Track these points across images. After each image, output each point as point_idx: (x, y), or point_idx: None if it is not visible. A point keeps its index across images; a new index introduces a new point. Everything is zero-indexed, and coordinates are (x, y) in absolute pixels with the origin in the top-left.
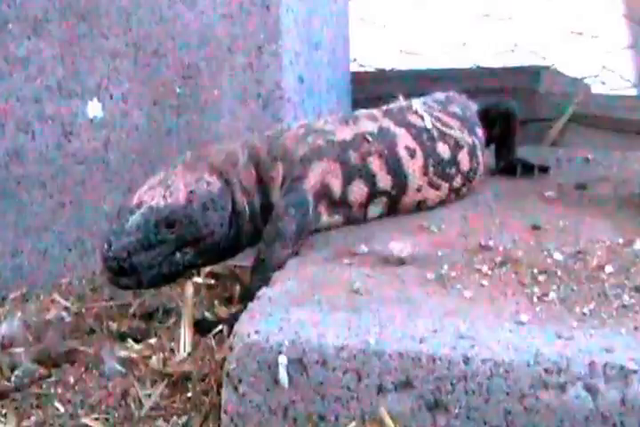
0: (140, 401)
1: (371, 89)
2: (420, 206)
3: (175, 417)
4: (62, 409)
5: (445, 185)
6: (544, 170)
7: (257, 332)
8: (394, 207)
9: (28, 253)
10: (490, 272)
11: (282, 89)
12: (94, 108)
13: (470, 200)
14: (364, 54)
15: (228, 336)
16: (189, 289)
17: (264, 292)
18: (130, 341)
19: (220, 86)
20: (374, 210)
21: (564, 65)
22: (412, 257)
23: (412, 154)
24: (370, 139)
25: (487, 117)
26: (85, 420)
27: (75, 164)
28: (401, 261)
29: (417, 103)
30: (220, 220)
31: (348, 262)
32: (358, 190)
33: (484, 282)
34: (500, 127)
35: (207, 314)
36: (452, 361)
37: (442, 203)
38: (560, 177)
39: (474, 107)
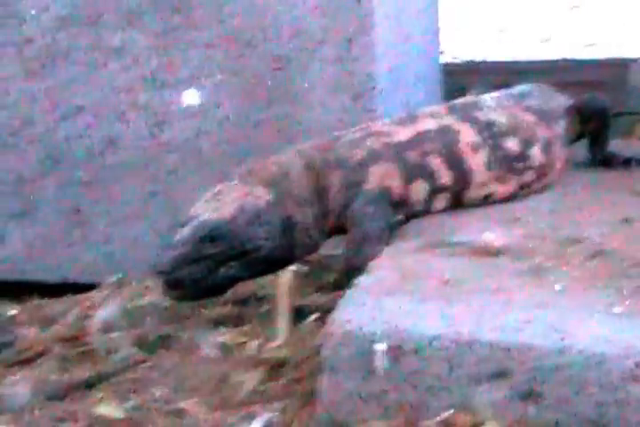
0: (236, 387)
1: (460, 81)
2: (487, 201)
3: (272, 403)
4: (160, 393)
5: (514, 180)
6: (638, 162)
7: (352, 320)
8: (457, 202)
9: (120, 240)
10: (581, 264)
11: (373, 80)
12: (187, 99)
13: (559, 193)
14: (453, 46)
15: (323, 324)
16: (285, 276)
17: (359, 281)
18: (224, 327)
19: (311, 78)
20: (437, 205)
21: None
22: (504, 248)
23: (475, 149)
24: (429, 137)
25: (581, 112)
26: (183, 404)
27: (167, 153)
28: (493, 252)
29: (486, 98)
30: (267, 234)
31: (441, 253)
32: (419, 189)
33: (576, 274)
34: (594, 122)
35: (300, 302)
36: (545, 352)
37: (513, 197)
38: None
39: (563, 100)
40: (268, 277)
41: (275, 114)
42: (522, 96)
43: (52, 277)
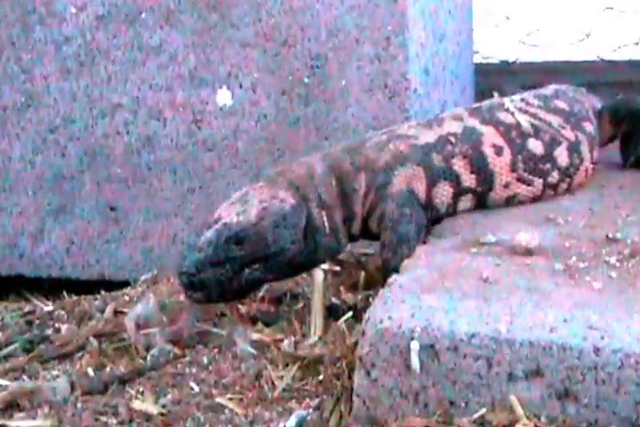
0: (272, 383)
1: (494, 81)
2: (511, 202)
3: (307, 399)
4: (197, 389)
5: (539, 181)
6: None
7: (389, 318)
8: (481, 204)
9: (158, 237)
10: (618, 264)
11: (408, 80)
12: (224, 97)
13: (595, 193)
14: (487, 46)
15: (358, 322)
16: (319, 274)
17: (395, 279)
18: (260, 324)
19: (348, 77)
20: (462, 207)
21: None
22: (539, 248)
23: (499, 151)
24: (453, 140)
25: (614, 115)
26: (220, 400)
27: (204, 150)
28: (529, 252)
29: (512, 99)
30: (292, 237)
31: (476, 252)
32: (443, 192)
33: (613, 274)
34: (627, 125)
35: (333, 300)
36: (583, 351)
37: (538, 199)
38: None
39: (594, 101)
40: (303, 276)
41: (311, 112)
42: (550, 97)
43: (89, 274)
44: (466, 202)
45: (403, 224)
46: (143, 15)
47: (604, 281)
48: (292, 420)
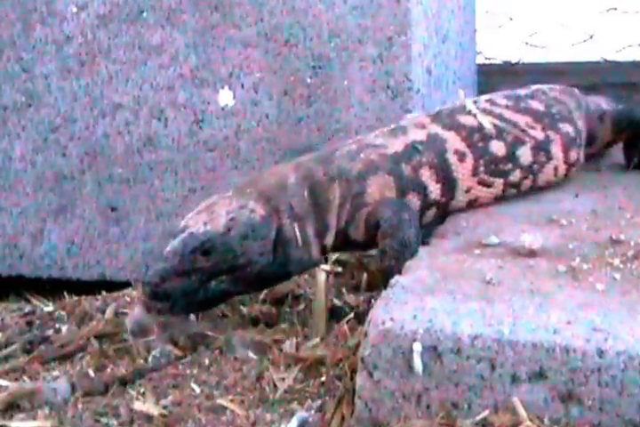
0: (274, 384)
1: (497, 82)
2: (472, 205)
3: (309, 401)
4: (198, 390)
5: (500, 181)
6: None
7: (392, 319)
8: (444, 212)
9: (159, 237)
10: (622, 266)
11: (411, 80)
12: (226, 97)
13: (599, 194)
14: (490, 47)
15: (358, 324)
16: (322, 276)
17: (397, 280)
18: (262, 325)
19: (350, 77)
20: (426, 219)
21: None
22: (542, 249)
23: (462, 157)
24: (420, 148)
25: (617, 124)
26: (221, 401)
27: (206, 151)
28: (532, 253)
29: (476, 100)
30: (261, 249)
31: (479, 253)
32: (411, 203)
33: (616, 275)
34: (628, 134)
35: (335, 301)
36: (586, 353)
37: (498, 198)
38: None
39: (581, 101)
40: (305, 277)
41: (313, 112)
42: (523, 97)
43: (89, 274)
44: (431, 213)
45: (403, 229)
46: (144, 14)
47: (607, 283)
48: (294, 422)
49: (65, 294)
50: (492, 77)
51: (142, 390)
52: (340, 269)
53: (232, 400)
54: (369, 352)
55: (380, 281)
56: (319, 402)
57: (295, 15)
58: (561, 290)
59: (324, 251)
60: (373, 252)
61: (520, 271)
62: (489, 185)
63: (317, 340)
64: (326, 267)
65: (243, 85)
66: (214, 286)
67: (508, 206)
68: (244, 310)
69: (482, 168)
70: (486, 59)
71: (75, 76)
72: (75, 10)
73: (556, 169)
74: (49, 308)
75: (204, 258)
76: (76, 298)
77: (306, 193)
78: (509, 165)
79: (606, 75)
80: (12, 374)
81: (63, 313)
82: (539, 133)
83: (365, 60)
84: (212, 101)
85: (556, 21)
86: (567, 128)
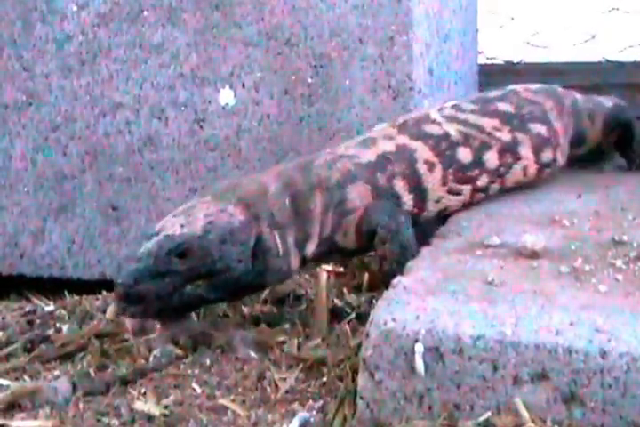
0: (275, 384)
1: (498, 82)
2: (441, 214)
3: (311, 401)
4: (199, 390)
5: (467, 188)
6: None
7: (394, 319)
8: (415, 223)
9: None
10: (624, 267)
11: (412, 80)
12: (226, 96)
13: (601, 195)
14: (491, 47)
15: (359, 324)
16: (323, 276)
17: (399, 280)
18: (263, 325)
19: (351, 77)
20: None
21: None
22: (545, 250)
23: (431, 167)
24: (391, 159)
25: (606, 126)
26: (222, 401)
27: (207, 150)
28: (534, 254)
29: (441, 108)
30: (239, 255)
31: (481, 254)
32: None
33: (619, 277)
34: (617, 133)
35: (336, 301)
36: (589, 354)
37: (466, 204)
38: None
39: (563, 101)
40: (306, 277)
41: (315, 112)
42: (492, 100)
43: (90, 273)
44: None
45: (402, 232)
46: (145, 13)
47: (610, 284)
48: (295, 422)
49: (66, 293)
50: (493, 77)
51: (143, 390)
52: (341, 269)
53: (233, 400)
54: (370, 353)
55: (380, 283)
56: (320, 402)
57: (296, 14)
58: (563, 291)
59: (303, 262)
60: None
61: (522, 272)
62: (458, 193)
63: (319, 340)
64: (328, 267)
65: (243, 85)
66: (190, 290)
67: (509, 207)
68: (245, 309)
69: (450, 177)
70: (488, 59)
71: (75, 74)
72: (75, 8)
73: (525, 169)
74: (50, 307)
75: (180, 261)
76: (76, 297)
77: (287, 202)
78: (476, 171)
79: (608, 75)
80: (13, 373)
81: (64, 312)
82: (505, 135)
83: (367, 60)
84: (212, 101)
85: (557, 21)
86: (539, 128)
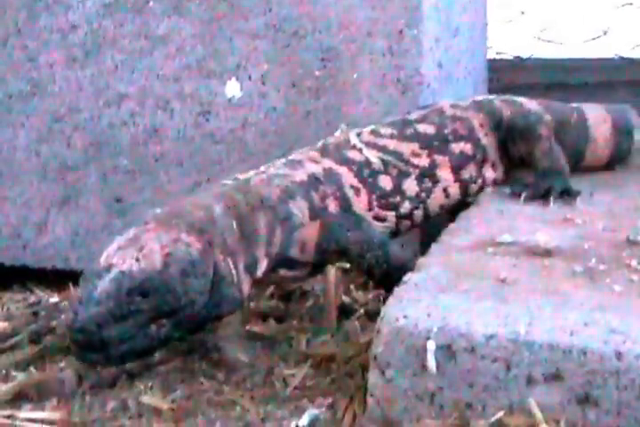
0: (284, 380)
1: (507, 77)
2: None
3: (320, 398)
4: (207, 384)
5: (391, 214)
6: None
7: (405, 316)
8: None
9: None
10: (639, 267)
11: (421, 74)
12: (232, 88)
13: (615, 194)
14: (501, 41)
15: (367, 321)
16: (332, 272)
17: (410, 277)
18: (271, 321)
19: (359, 70)
20: None
21: None
22: (558, 249)
23: (357, 192)
24: (322, 179)
25: (508, 134)
26: (231, 396)
27: (212, 143)
28: (547, 253)
29: (359, 133)
30: (201, 287)
31: (493, 251)
32: None
33: (634, 277)
34: (522, 144)
35: (344, 298)
36: (604, 356)
37: (393, 232)
38: None
39: (500, 116)
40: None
41: (322, 105)
42: (411, 122)
43: None
44: None
45: (374, 242)
46: (151, 4)
47: (624, 284)
48: (305, 418)
49: (70, 285)
50: (502, 73)
51: (150, 384)
52: (348, 265)
53: (242, 396)
54: (381, 350)
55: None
56: (330, 399)
57: (304, 6)
58: (577, 291)
59: (255, 286)
60: None
61: (535, 271)
62: (383, 219)
63: (327, 336)
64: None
65: (250, 77)
66: (154, 331)
67: (519, 205)
68: (252, 304)
69: (375, 202)
70: (497, 53)
71: (80, 65)
72: None
73: (445, 191)
74: (54, 299)
75: (142, 300)
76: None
77: (234, 225)
78: (398, 198)
79: (620, 72)
80: (19, 364)
81: (68, 304)
82: (423, 161)
83: (375, 53)
84: (218, 93)
85: (569, 16)
86: (462, 147)
